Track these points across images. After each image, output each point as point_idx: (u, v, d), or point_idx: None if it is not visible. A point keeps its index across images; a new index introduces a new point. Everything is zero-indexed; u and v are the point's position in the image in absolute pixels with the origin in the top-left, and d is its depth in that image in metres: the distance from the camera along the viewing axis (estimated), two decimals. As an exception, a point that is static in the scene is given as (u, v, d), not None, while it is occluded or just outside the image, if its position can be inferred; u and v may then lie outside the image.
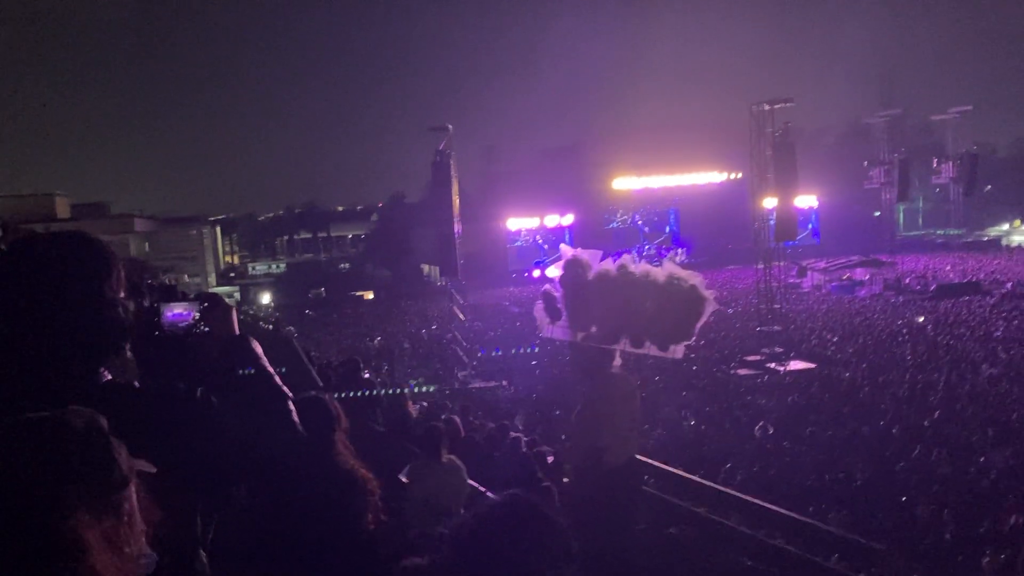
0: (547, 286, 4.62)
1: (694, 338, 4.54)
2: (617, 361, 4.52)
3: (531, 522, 1.73)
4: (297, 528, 2.86)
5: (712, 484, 6.30)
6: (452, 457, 5.38)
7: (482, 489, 5.29)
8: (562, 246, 4.77)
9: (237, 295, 60.96)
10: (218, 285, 65.99)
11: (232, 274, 73.45)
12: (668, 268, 4.53)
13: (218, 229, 75.12)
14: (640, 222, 60.42)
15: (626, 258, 4.54)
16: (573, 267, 4.48)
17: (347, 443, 3.13)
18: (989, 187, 68.45)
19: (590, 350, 4.51)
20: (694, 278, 4.47)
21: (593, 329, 4.49)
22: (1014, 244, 60.42)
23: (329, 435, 3.04)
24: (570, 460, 5.48)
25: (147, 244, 57.03)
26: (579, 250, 4.62)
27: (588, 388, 4.67)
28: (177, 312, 2.22)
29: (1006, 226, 69.26)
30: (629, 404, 4.55)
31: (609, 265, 4.50)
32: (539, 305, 4.55)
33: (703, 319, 4.39)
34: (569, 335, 4.59)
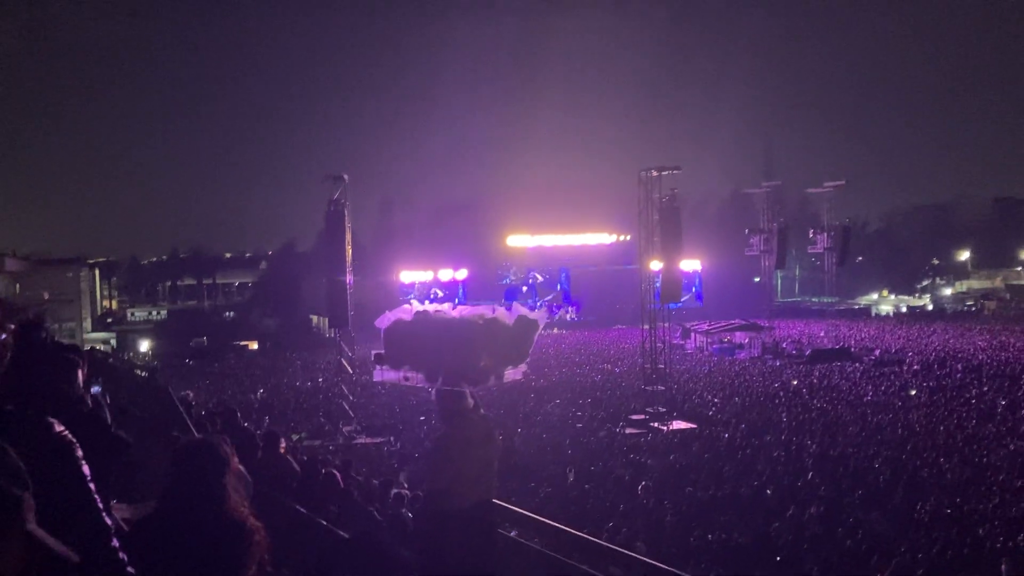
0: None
1: (528, 358, 4.75)
2: (469, 401, 4.65)
3: (370, 554, 1.78)
4: None
5: (589, 537, 6.33)
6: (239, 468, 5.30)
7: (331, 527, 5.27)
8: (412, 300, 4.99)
9: (113, 342, 58.34)
10: (93, 331, 63.04)
11: (109, 320, 70.35)
12: (487, 308, 4.74)
13: (97, 272, 72.06)
14: (533, 279, 61.18)
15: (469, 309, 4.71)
16: (398, 313, 4.69)
17: (238, 487, 2.97)
18: (860, 258, 72.45)
19: (447, 393, 4.63)
20: (515, 312, 4.67)
21: (408, 368, 4.72)
22: (882, 313, 63.93)
23: (219, 479, 2.88)
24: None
25: (18, 285, 54.11)
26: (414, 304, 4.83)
27: (443, 429, 4.75)
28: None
29: (875, 296, 73.30)
30: (486, 448, 4.60)
31: (420, 312, 4.72)
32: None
33: (534, 343, 4.65)
34: (393, 376, 4.81)
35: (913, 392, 25.58)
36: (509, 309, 4.61)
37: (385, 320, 4.60)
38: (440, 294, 56.17)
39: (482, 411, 4.62)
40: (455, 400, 4.42)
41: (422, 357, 4.38)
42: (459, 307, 4.65)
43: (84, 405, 3.98)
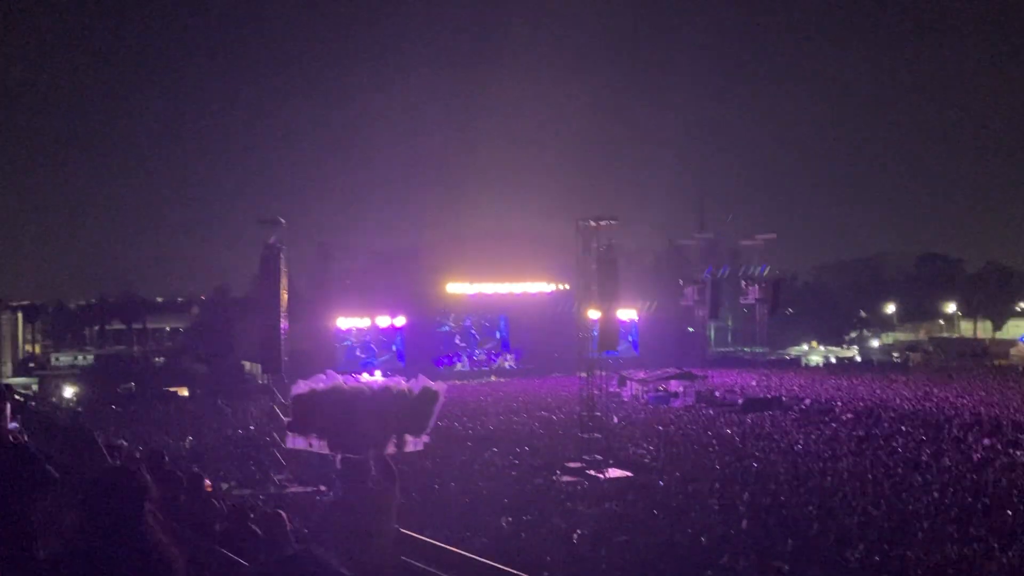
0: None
1: (429, 429, 4.93)
2: (371, 471, 4.70)
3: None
4: None
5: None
6: None
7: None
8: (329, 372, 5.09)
9: (35, 387, 56.34)
10: (15, 376, 60.84)
11: (32, 364, 68.01)
12: (395, 380, 4.95)
13: (20, 315, 69.83)
14: (471, 327, 61.09)
15: (364, 377, 4.89)
16: (312, 383, 4.86)
17: (158, 516, 2.92)
18: (791, 310, 74.16)
19: (348, 460, 4.70)
20: (420, 383, 4.88)
21: (314, 436, 4.86)
22: (812, 363, 65.35)
23: (137, 506, 2.83)
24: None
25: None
26: (329, 374, 4.98)
27: (340, 494, 4.76)
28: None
29: (805, 346, 74.94)
30: (377, 518, 4.61)
31: (333, 382, 4.87)
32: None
33: (435, 414, 4.86)
34: (302, 443, 4.96)
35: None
36: (416, 379, 4.78)
37: (298, 387, 4.76)
38: (379, 351, 55.82)
39: (396, 479, 4.60)
40: (356, 469, 4.41)
41: (325, 426, 4.48)
42: (371, 378, 4.79)
43: (8, 437, 3.86)
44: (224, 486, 19.64)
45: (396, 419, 4.20)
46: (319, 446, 4.18)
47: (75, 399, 51.55)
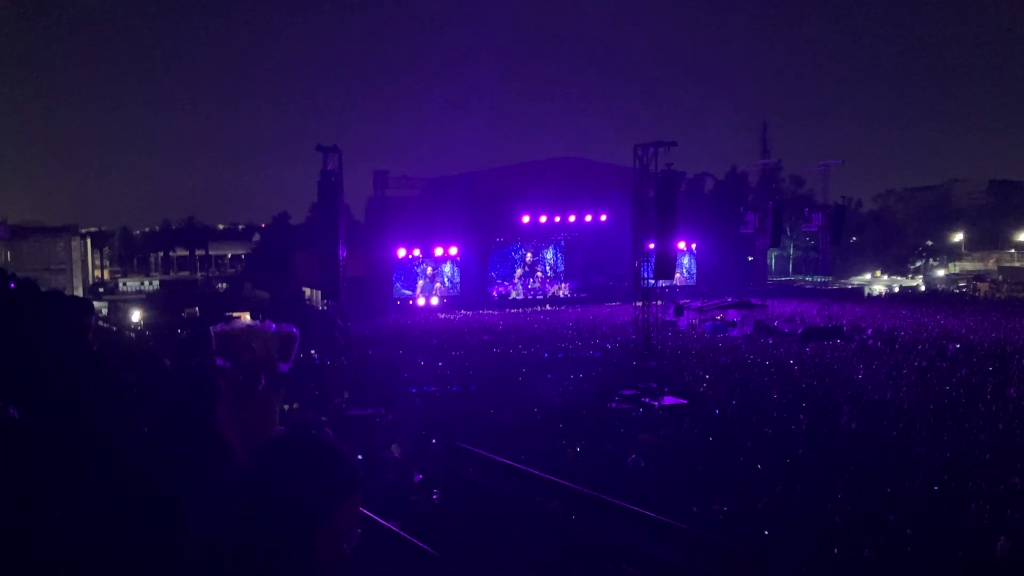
0: None
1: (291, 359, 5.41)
2: (263, 381, 5.27)
3: (314, 451, 1.75)
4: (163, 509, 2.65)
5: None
6: None
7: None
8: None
9: (105, 311, 58.25)
10: (85, 300, 62.94)
11: (101, 289, 70.20)
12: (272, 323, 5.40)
13: (88, 241, 71.86)
14: (527, 256, 61.04)
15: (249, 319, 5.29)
16: (221, 325, 5.29)
17: (230, 419, 2.90)
18: (854, 239, 72.52)
19: (246, 373, 5.21)
20: (287, 328, 5.34)
21: (221, 357, 5.35)
22: (875, 293, 64.06)
23: (210, 406, 2.73)
24: None
25: (8, 253, 53.93)
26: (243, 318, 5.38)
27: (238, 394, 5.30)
28: None
29: (868, 276, 73.42)
30: (265, 410, 5.11)
31: (240, 324, 5.31)
32: None
33: (296, 349, 5.34)
34: (220, 363, 5.44)
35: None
36: (288, 325, 5.35)
37: (216, 327, 5.32)
38: (429, 270, 56.29)
39: (284, 388, 5.05)
40: (250, 378, 4.87)
41: (232, 352, 4.99)
42: (267, 321, 5.29)
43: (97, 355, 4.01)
44: (285, 407, 20.12)
45: (276, 350, 4.64)
46: (228, 365, 4.71)
47: (142, 323, 53.19)
